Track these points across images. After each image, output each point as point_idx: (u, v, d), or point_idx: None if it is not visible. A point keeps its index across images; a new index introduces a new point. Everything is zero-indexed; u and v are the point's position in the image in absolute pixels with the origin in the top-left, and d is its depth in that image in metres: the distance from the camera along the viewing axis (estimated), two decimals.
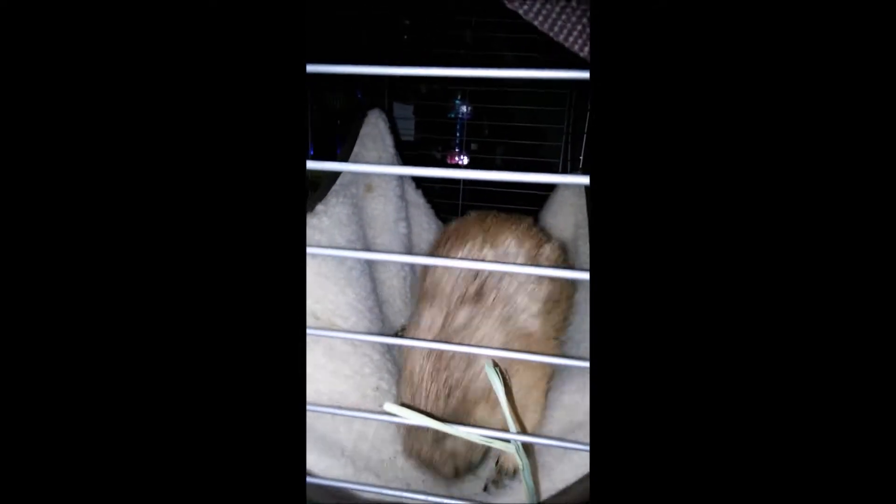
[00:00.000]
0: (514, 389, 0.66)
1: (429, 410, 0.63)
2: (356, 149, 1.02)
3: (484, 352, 0.54)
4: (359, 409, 0.61)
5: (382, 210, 0.98)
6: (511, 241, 0.73)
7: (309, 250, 0.44)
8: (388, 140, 1.05)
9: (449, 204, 1.36)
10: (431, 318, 0.69)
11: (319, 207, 0.79)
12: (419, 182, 1.15)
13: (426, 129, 1.47)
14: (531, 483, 0.57)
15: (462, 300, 0.68)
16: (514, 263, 0.71)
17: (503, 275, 0.69)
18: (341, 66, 0.41)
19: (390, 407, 0.56)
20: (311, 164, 0.42)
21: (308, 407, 0.51)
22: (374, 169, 0.47)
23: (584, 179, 0.35)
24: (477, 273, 0.69)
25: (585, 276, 0.37)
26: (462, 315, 0.67)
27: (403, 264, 1.00)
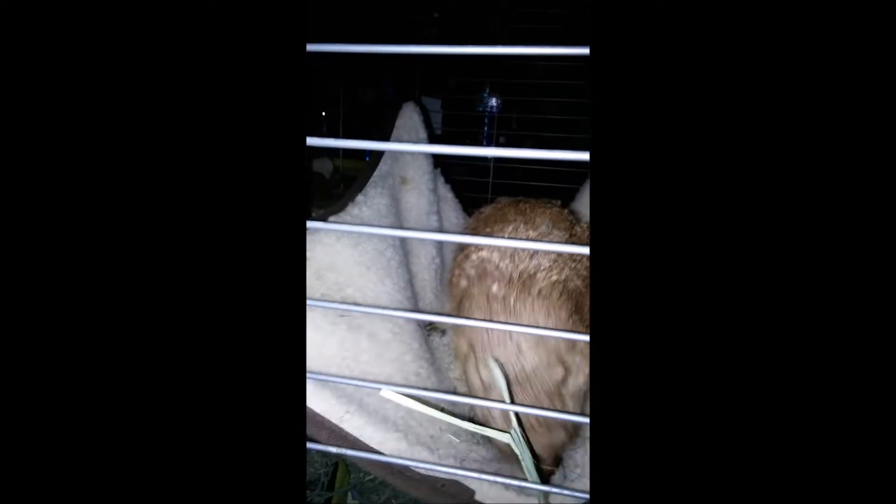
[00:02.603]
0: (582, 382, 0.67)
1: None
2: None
3: (522, 330, 0.53)
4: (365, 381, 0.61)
5: (416, 203, 0.99)
6: (549, 222, 0.75)
7: (310, 224, 0.44)
8: (422, 133, 1.06)
9: (476, 198, 1.36)
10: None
11: (360, 198, 0.80)
12: (447, 177, 1.15)
13: (454, 122, 1.47)
14: (535, 473, 0.57)
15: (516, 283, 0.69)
16: (546, 241, 0.71)
17: (546, 262, 0.69)
18: (339, 45, 0.40)
19: (387, 393, 0.54)
20: (311, 141, 0.42)
21: (310, 374, 0.51)
22: (376, 146, 0.46)
23: (584, 156, 0.36)
24: (518, 263, 0.69)
25: (585, 250, 0.37)
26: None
27: (434, 257, 1.01)
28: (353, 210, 0.78)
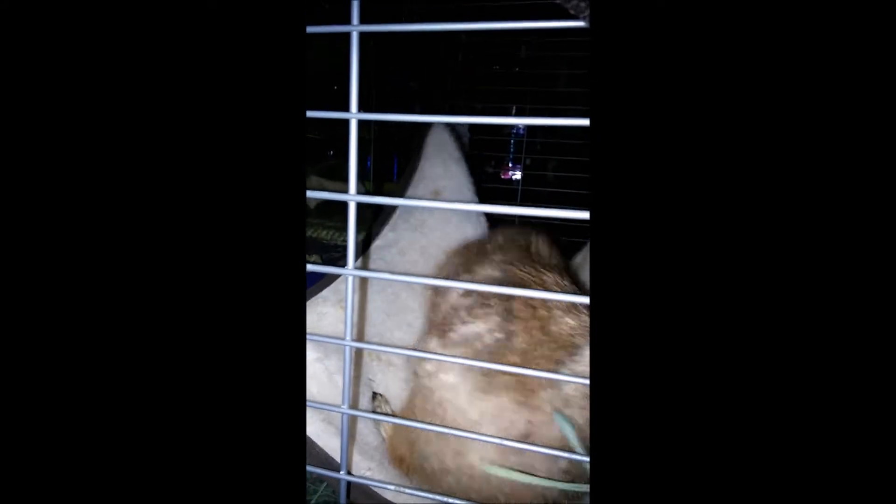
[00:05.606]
0: None
1: None
2: (421, 162, 1.04)
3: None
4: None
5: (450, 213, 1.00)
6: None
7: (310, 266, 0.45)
8: (453, 149, 1.07)
9: (503, 218, 1.36)
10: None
11: (390, 236, 0.82)
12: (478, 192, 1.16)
13: (481, 145, 1.49)
14: None
15: None
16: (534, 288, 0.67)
17: None
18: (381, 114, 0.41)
19: (495, 469, 0.55)
20: (312, 194, 0.42)
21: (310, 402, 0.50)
22: (372, 199, 0.43)
23: (584, 214, 0.35)
24: None
25: (585, 300, 0.37)
26: None
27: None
28: (380, 253, 0.80)
